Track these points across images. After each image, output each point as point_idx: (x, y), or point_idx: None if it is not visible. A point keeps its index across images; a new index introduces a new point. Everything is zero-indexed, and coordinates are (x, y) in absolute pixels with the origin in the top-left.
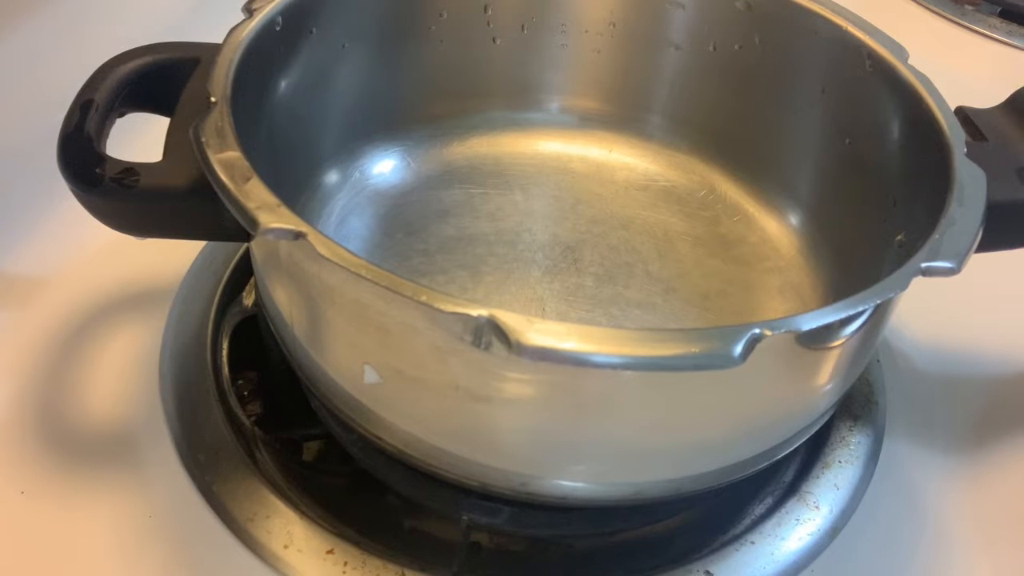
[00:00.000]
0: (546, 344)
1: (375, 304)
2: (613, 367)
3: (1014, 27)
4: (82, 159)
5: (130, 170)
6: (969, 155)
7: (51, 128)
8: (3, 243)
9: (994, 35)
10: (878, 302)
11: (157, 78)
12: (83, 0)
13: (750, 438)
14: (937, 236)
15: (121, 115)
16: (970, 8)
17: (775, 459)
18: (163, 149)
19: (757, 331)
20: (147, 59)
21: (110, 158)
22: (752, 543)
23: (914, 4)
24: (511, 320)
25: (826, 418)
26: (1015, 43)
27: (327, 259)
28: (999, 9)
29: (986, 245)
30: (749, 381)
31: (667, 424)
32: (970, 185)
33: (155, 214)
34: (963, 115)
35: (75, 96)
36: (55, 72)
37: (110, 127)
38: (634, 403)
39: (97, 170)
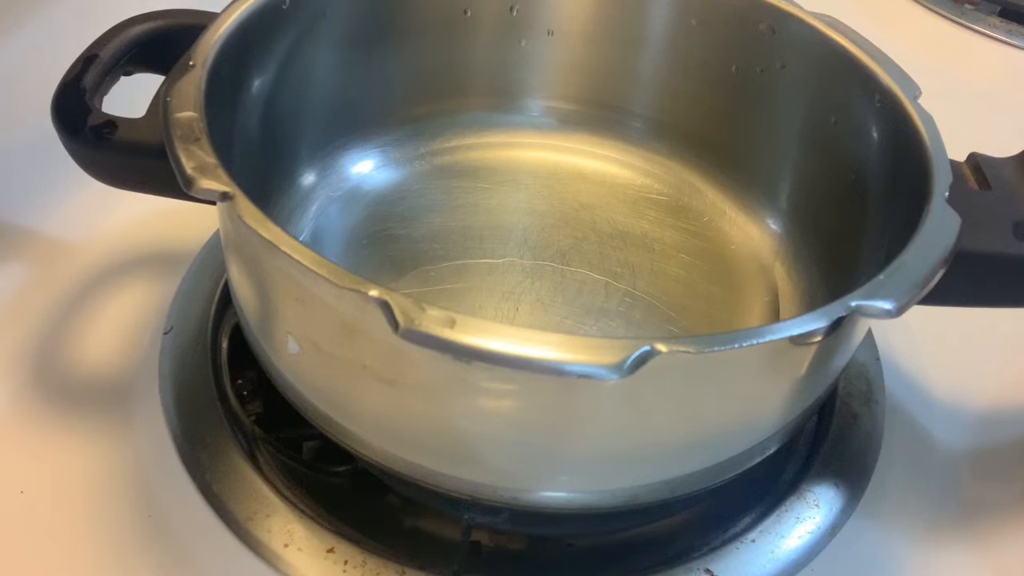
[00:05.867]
0: (430, 331)
1: (292, 275)
2: (495, 363)
3: (1014, 26)
4: (72, 108)
5: (111, 123)
6: (964, 204)
7: None
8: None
9: (994, 34)
10: (792, 334)
11: (167, 42)
12: None
13: (727, 439)
14: (882, 277)
15: (128, 73)
16: (970, 7)
17: (765, 455)
18: (148, 107)
19: (648, 348)
20: (159, 23)
21: (97, 110)
22: (752, 541)
23: (914, 4)
24: (403, 304)
25: (808, 416)
26: (1015, 43)
27: (247, 223)
28: (999, 8)
29: (976, 300)
30: (702, 387)
31: (642, 428)
32: (939, 232)
33: (128, 167)
34: (974, 162)
35: (84, 49)
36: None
37: (111, 83)
38: (607, 410)
39: (82, 120)
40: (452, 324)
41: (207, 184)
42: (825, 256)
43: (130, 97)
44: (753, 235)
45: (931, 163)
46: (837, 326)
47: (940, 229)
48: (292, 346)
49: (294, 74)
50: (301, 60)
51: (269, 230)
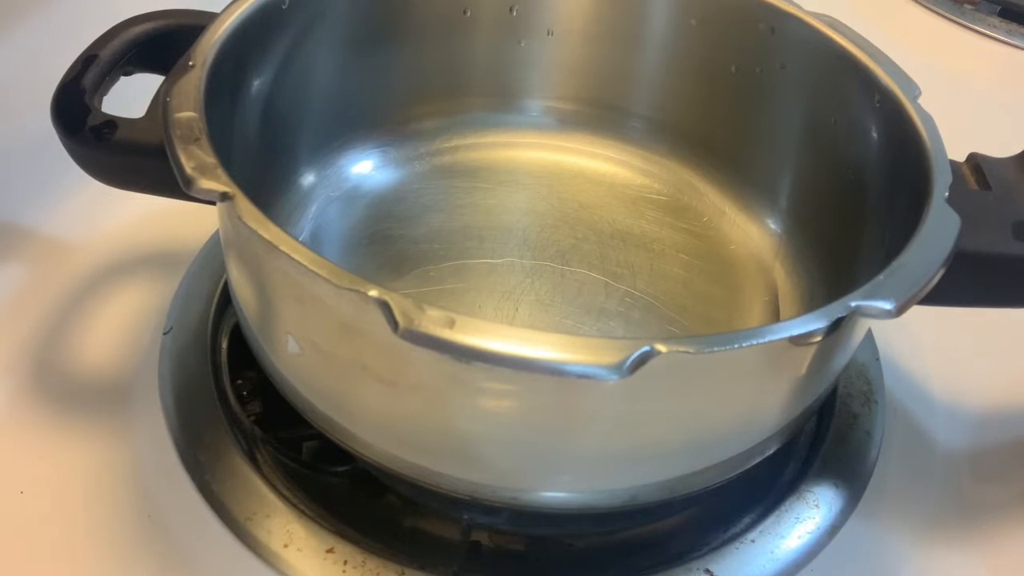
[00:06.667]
0: (430, 331)
1: (291, 275)
2: (494, 363)
3: (1014, 26)
4: (71, 108)
5: (111, 123)
6: (963, 204)
7: None
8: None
9: (994, 34)
10: (792, 334)
11: (167, 42)
12: None
13: (726, 439)
14: (882, 277)
15: (128, 73)
16: (970, 7)
17: (765, 455)
18: (148, 107)
19: (648, 348)
20: (159, 23)
21: (97, 110)
22: (752, 541)
23: (914, 4)
24: (402, 304)
25: (808, 416)
26: (1015, 43)
27: (247, 223)
28: (999, 8)
29: (976, 300)
30: (693, 389)
31: (642, 428)
32: (939, 232)
33: (128, 167)
34: (974, 162)
35: (84, 49)
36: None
37: (111, 83)
38: (607, 410)
39: (82, 120)
40: (452, 324)
41: (207, 184)
42: (825, 256)
43: (130, 97)
44: (753, 235)
45: (931, 163)
46: (837, 326)
47: (940, 229)
48: (292, 346)
49: (294, 74)
50: (301, 60)
51: (269, 230)
